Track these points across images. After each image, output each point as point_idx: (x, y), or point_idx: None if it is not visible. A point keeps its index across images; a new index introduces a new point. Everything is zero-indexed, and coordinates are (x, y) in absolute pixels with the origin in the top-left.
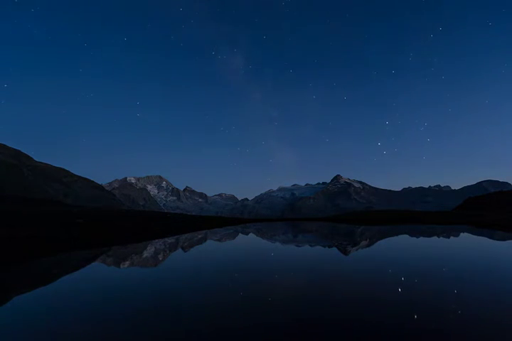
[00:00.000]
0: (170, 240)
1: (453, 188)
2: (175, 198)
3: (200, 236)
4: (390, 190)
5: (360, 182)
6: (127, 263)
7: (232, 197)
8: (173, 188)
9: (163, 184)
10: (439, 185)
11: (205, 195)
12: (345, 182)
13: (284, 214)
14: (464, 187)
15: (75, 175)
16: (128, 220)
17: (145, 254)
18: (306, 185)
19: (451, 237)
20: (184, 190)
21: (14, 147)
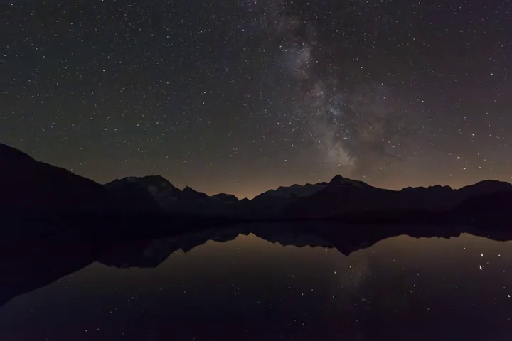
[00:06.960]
0: (171, 240)
1: (453, 188)
2: (175, 198)
3: (199, 237)
4: (389, 190)
5: (360, 183)
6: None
7: (232, 197)
8: (173, 188)
9: (163, 184)
10: (439, 185)
11: (205, 195)
12: (346, 182)
13: (284, 214)
14: (464, 187)
15: (75, 175)
16: None
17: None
18: (306, 185)
19: (451, 238)
20: (184, 190)
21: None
